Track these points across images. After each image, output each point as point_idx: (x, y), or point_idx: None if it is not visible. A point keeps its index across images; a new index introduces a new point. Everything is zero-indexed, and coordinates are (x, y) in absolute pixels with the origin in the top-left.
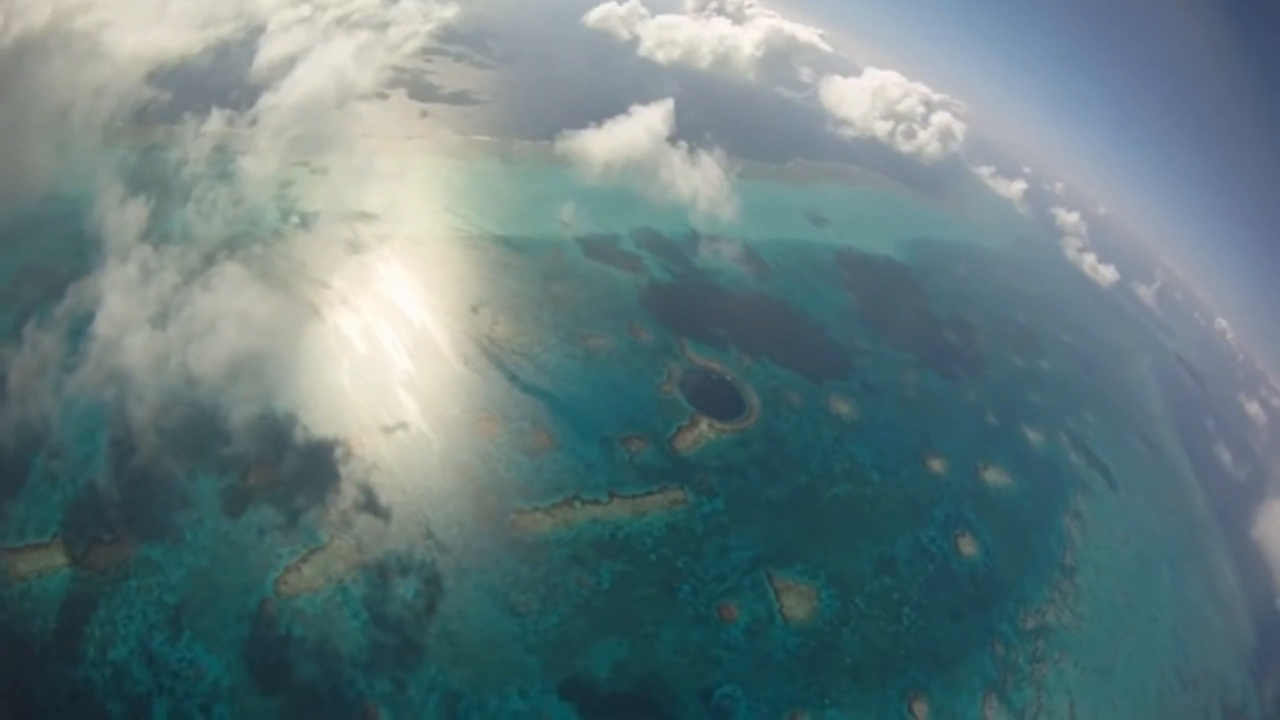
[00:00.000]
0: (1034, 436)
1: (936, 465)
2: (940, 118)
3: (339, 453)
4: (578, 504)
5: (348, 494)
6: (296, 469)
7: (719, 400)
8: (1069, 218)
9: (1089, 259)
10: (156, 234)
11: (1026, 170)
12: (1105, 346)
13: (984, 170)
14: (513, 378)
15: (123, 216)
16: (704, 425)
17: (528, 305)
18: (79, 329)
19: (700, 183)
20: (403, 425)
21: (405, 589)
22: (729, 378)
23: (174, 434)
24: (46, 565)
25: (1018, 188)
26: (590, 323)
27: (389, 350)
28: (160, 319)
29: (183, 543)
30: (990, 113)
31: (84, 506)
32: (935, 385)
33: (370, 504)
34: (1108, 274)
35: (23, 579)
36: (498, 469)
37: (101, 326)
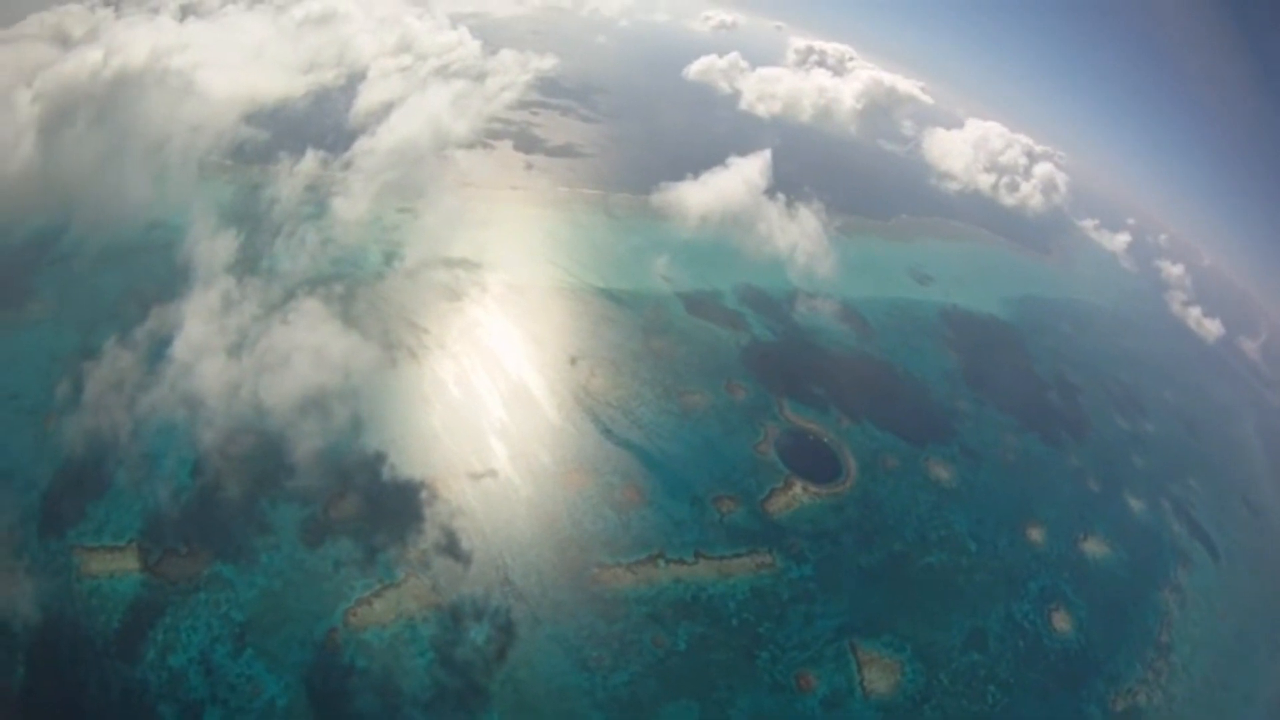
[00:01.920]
0: (1136, 504)
1: (1035, 534)
2: (1043, 169)
3: (424, 494)
4: (662, 562)
5: (429, 535)
6: (380, 506)
7: (815, 462)
8: (1174, 270)
9: (1194, 313)
10: (266, 269)
11: (1130, 222)
12: (1210, 405)
13: (1088, 223)
14: (606, 431)
15: (225, 248)
16: (798, 488)
17: (626, 359)
18: (174, 351)
19: (799, 236)
20: (491, 472)
21: (476, 633)
22: (827, 439)
23: (260, 460)
24: (119, 567)
25: (1122, 240)
26: (688, 379)
27: (484, 397)
28: (250, 351)
29: (257, 565)
30: (1093, 163)
31: (163, 518)
32: (1037, 450)
33: (451, 547)
34: (1213, 328)
35: (94, 577)
36: (583, 521)
37: (189, 349)
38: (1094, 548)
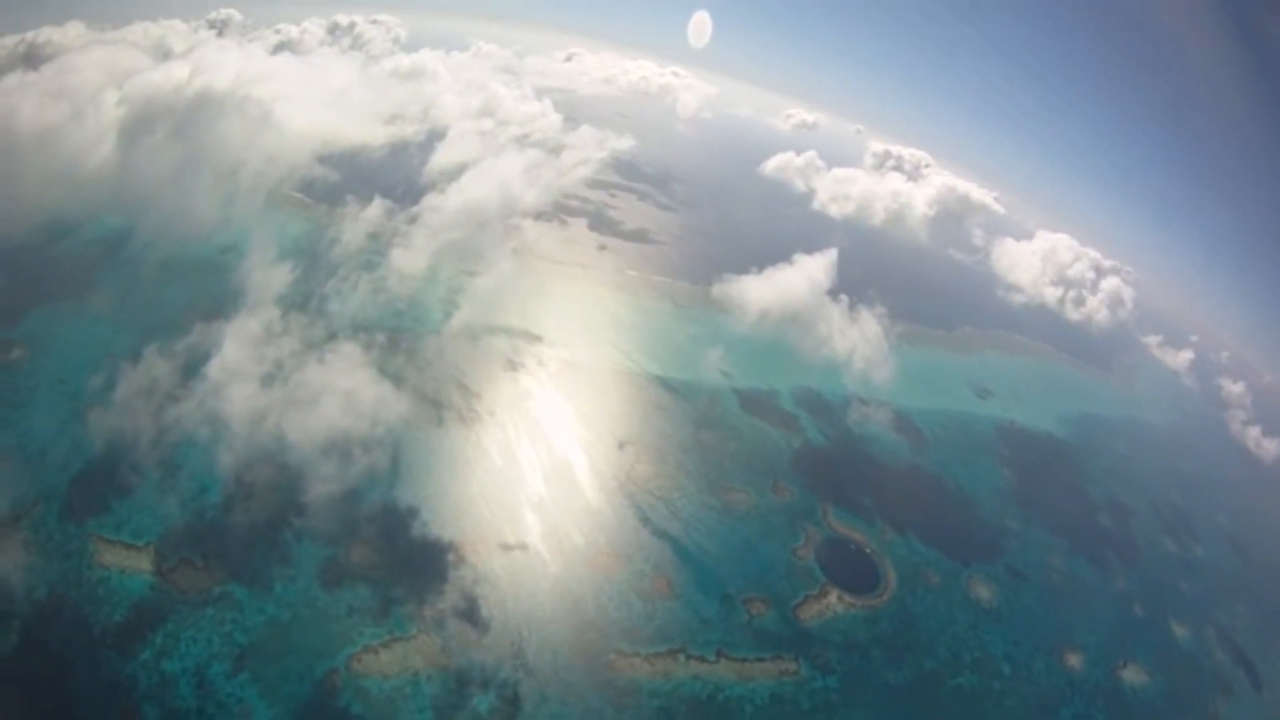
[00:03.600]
0: (1179, 630)
1: (1073, 660)
2: (1110, 283)
3: (451, 556)
4: (682, 657)
5: (449, 597)
6: (404, 560)
7: (854, 572)
8: (1234, 389)
9: (1253, 432)
10: (327, 309)
11: (1193, 339)
12: (1263, 529)
13: (1152, 339)
14: (644, 519)
15: (287, 280)
16: (833, 597)
17: (674, 449)
18: (219, 372)
19: (859, 340)
20: (522, 545)
21: (480, 701)
22: (868, 550)
23: (291, 492)
24: (131, 565)
25: (1184, 358)
26: (734, 476)
27: (525, 469)
28: (298, 386)
29: (270, 593)
30: (1160, 277)
31: (185, 530)
32: (1084, 573)
33: (469, 612)
34: (1271, 447)
35: (105, 568)
36: (608, 606)
37: (234, 373)
38: (1132, 675)
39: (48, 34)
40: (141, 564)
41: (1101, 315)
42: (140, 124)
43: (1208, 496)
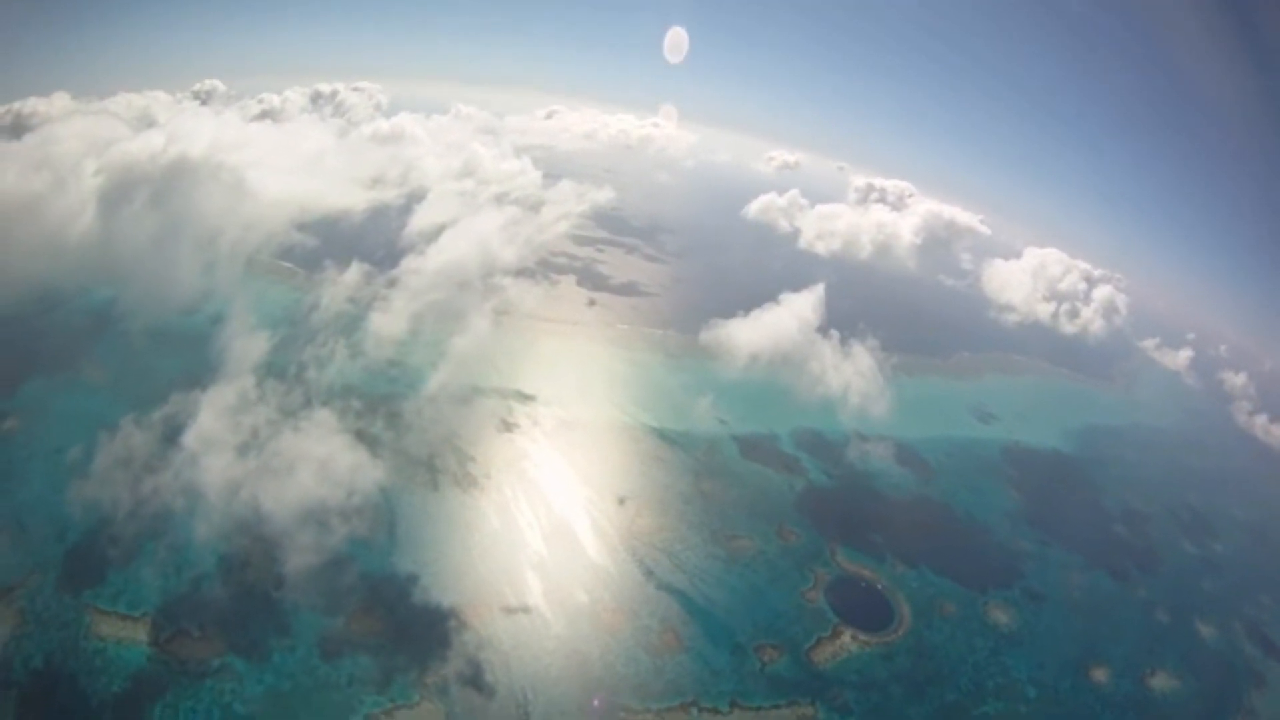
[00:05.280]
0: (1206, 630)
1: (1099, 675)
2: (1102, 292)
3: (453, 622)
4: (695, 710)
5: (452, 663)
6: (405, 628)
7: (867, 610)
8: (1237, 380)
9: (1260, 420)
10: (306, 378)
11: (1191, 337)
12: None
13: (1149, 343)
14: (648, 573)
15: (272, 349)
16: (847, 637)
17: (675, 500)
18: (213, 443)
19: (853, 375)
20: (525, 607)
21: None
22: (880, 586)
23: (289, 562)
24: (128, 636)
25: (1184, 357)
26: (738, 523)
27: (524, 530)
28: (283, 456)
29: (269, 664)
30: (1152, 280)
31: (181, 600)
32: (1104, 586)
33: (473, 677)
34: None
35: (102, 639)
36: (615, 664)
37: (227, 444)
38: (1162, 682)
39: (34, 104)
40: (138, 635)
41: (1097, 325)
42: (119, 193)
43: (1222, 491)
